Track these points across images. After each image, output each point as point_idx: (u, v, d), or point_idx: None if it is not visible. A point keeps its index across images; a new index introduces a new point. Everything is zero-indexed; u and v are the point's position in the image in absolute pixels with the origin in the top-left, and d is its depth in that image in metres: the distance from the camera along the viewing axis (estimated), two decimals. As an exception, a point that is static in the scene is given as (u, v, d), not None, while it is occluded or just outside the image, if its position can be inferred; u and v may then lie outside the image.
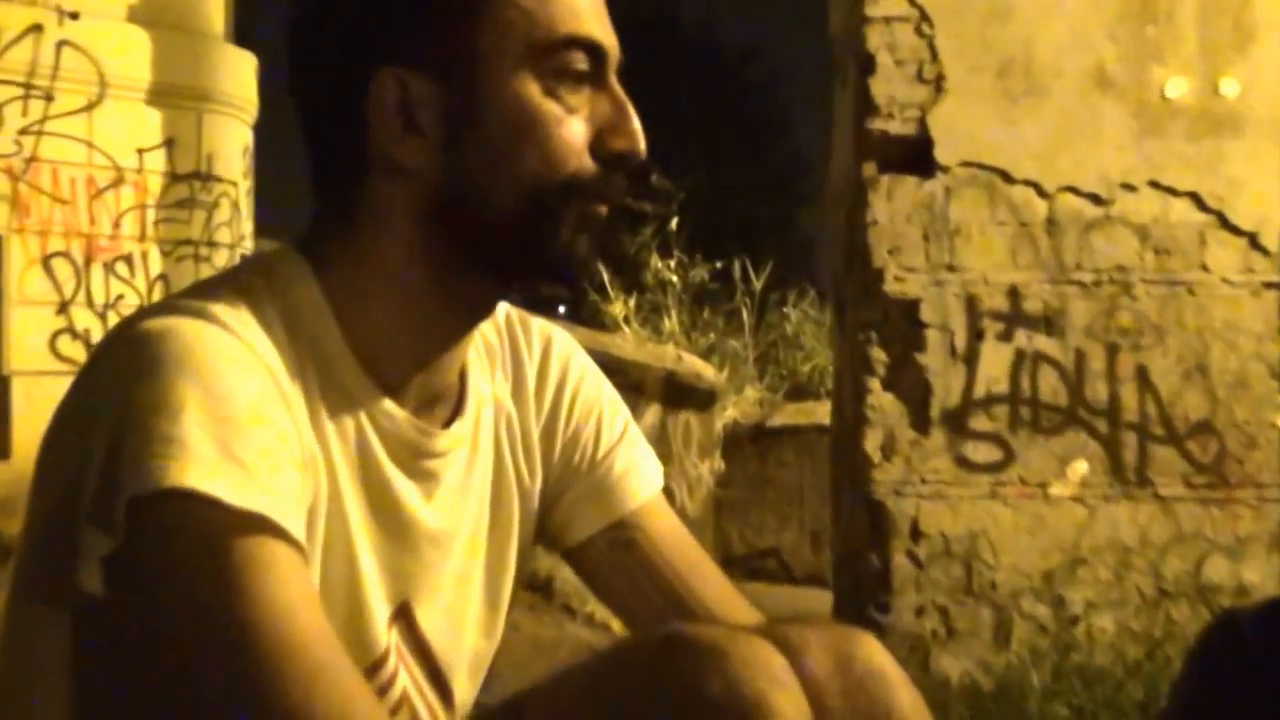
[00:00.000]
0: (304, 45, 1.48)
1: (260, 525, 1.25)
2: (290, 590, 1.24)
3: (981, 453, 6.81)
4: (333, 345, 1.45)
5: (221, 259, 12.70)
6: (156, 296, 12.29)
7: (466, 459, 1.59)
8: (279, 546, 1.26)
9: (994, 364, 6.82)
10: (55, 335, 11.66)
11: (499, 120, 1.41)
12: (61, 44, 11.51)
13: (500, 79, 1.41)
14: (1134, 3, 6.85)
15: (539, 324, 1.72)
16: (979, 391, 6.81)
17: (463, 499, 1.58)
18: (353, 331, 1.46)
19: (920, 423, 6.80)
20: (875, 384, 6.82)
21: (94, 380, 1.37)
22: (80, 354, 11.80)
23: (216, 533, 1.23)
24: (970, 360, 6.81)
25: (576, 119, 1.44)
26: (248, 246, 13.32)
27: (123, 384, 1.30)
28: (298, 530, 1.29)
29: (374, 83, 1.41)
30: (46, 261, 11.60)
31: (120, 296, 12.01)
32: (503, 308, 1.67)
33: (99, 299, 11.91)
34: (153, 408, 1.26)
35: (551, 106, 1.42)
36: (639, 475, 1.71)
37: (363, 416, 1.47)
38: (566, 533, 1.70)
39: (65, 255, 11.71)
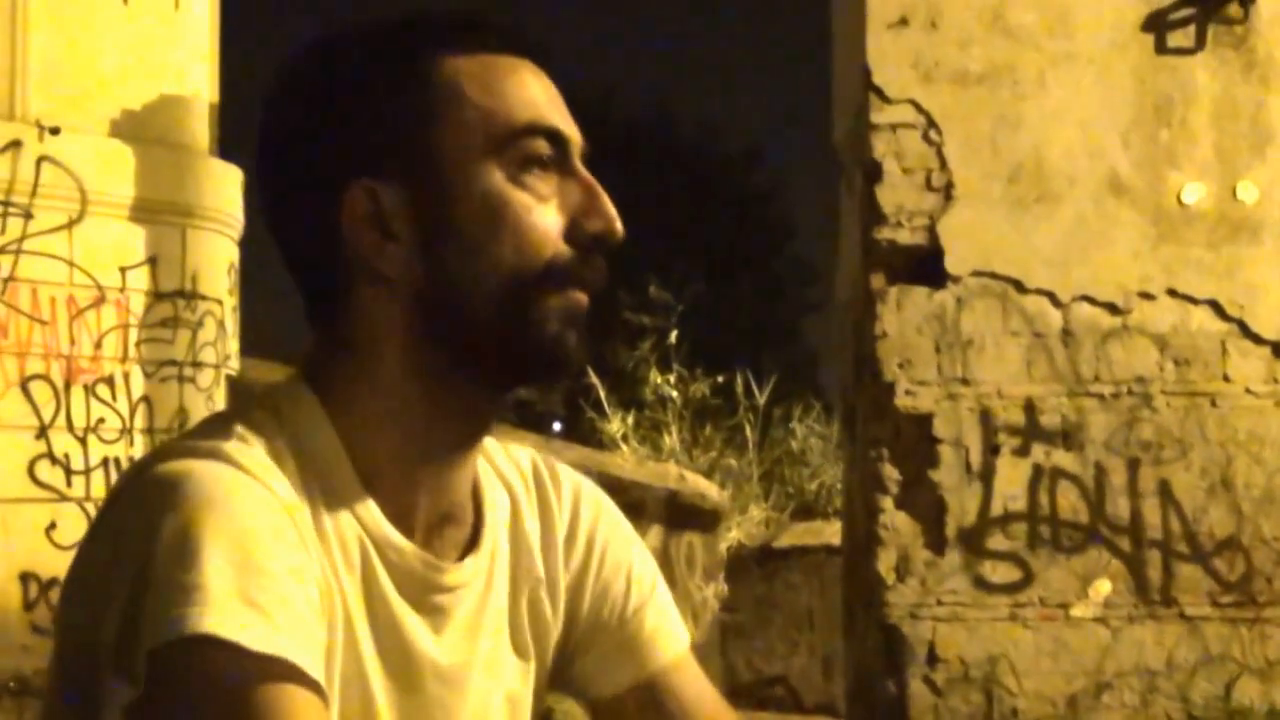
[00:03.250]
0: (271, 170, 1.49)
1: (282, 670, 1.24)
2: None
3: (1000, 573, 6.62)
4: (342, 476, 1.45)
5: (207, 380, 12.52)
6: (139, 419, 12.12)
7: (480, 594, 1.56)
8: (300, 691, 1.25)
9: (1011, 480, 6.64)
10: (34, 461, 11.44)
11: (470, 214, 1.43)
12: (41, 160, 11.38)
13: (466, 174, 1.43)
14: (1147, 107, 6.73)
15: (568, 473, 1.70)
16: (996, 509, 6.64)
17: (474, 635, 1.55)
18: (359, 456, 1.46)
19: (935, 542, 6.62)
20: (888, 502, 6.64)
21: (112, 526, 1.36)
22: (60, 480, 11.59)
23: (238, 679, 1.23)
24: (986, 477, 6.64)
25: (547, 206, 1.44)
26: (234, 366, 13.18)
27: (141, 530, 1.29)
28: (317, 673, 1.28)
29: (344, 197, 1.42)
30: (25, 384, 11.41)
31: (101, 420, 11.82)
32: (527, 455, 1.67)
33: (79, 422, 11.72)
34: (172, 555, 1.26)
35: (519, 194, 1.43)
36: (669, 633, 1.68)
37: (371, 550, 1.46)
38: (593, 686, 1.68)
39: (44, 377, 11.52)
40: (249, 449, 1.39)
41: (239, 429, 1.42)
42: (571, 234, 1.44)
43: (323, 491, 1.44)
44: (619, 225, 1.46)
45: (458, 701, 1.55)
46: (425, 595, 1.50)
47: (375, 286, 1.44)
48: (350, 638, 1.44)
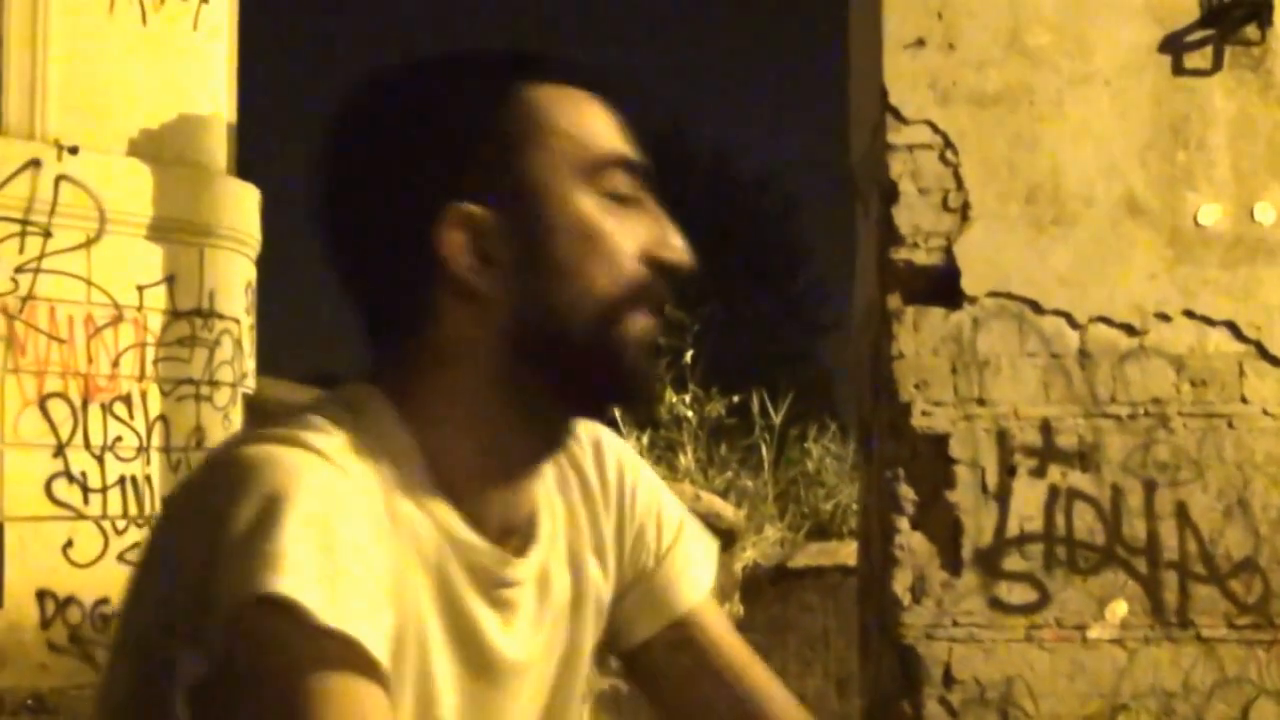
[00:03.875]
0: (362, 194, 1.51)
1: (348, 648, 1.26)
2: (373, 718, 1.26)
3: (1016, 594, 6.59)
4: (417, 476, 1.47)
5: (223, 398, 12.53)
6: (156, 438, 12.14)
7: (539, 586, 1.59)
8: (365, 673, 1.27)
9: (1027, 501, 6.61)
10: (51, 479, 11.48)
11: (565, 239, 1.46)
12: (60, 179, 11.43)
13: (560, 199, 1.47)
14: (1164, 128, 6.72)
15: (584, 427, 1.72)
16: (1012, 530, 6.61)
17: (539, 626, 1.59)
18: (434, 462, 1.48)
19: (951, 563, 6.59)
20: (904, 523, 6.62)
21: (187, 505, 1.39)
22: (77, 498, 11.61)
23: (306, 651, 1.24)
24: (1002, 498, 6.61)
25: (629, 233, 1.49)
26: (250, 385, 13.18)
27: (220, 507, 1.31)
28: (382, 655, 1.29)
29: (443, 220, 1.46)
30: (43, 402, 11.44)
31: (119, 438, 11.84)
32: None
33: (96, 441, 11.74)
34: (251, 528, 1.28)
35: (608, 220, 1.48)
36: (696, 571, 1.73)
37: (446, 546, 1.48)
38: (626, 634, 1.72)
39: (62, 396, 11.56)
40: (328, 439, 1.41)
41: (318, 421, 1.44)
42: (646, 259, 1.49)
43: (399, 486, 1.45)
44: (690, 256, 1.52)
45: (524, 693, 1.58)
46: (495, 589, 1.53)
47: (467, 305, 1.47)
48: (419, 631, 1.46)
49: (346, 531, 1.32)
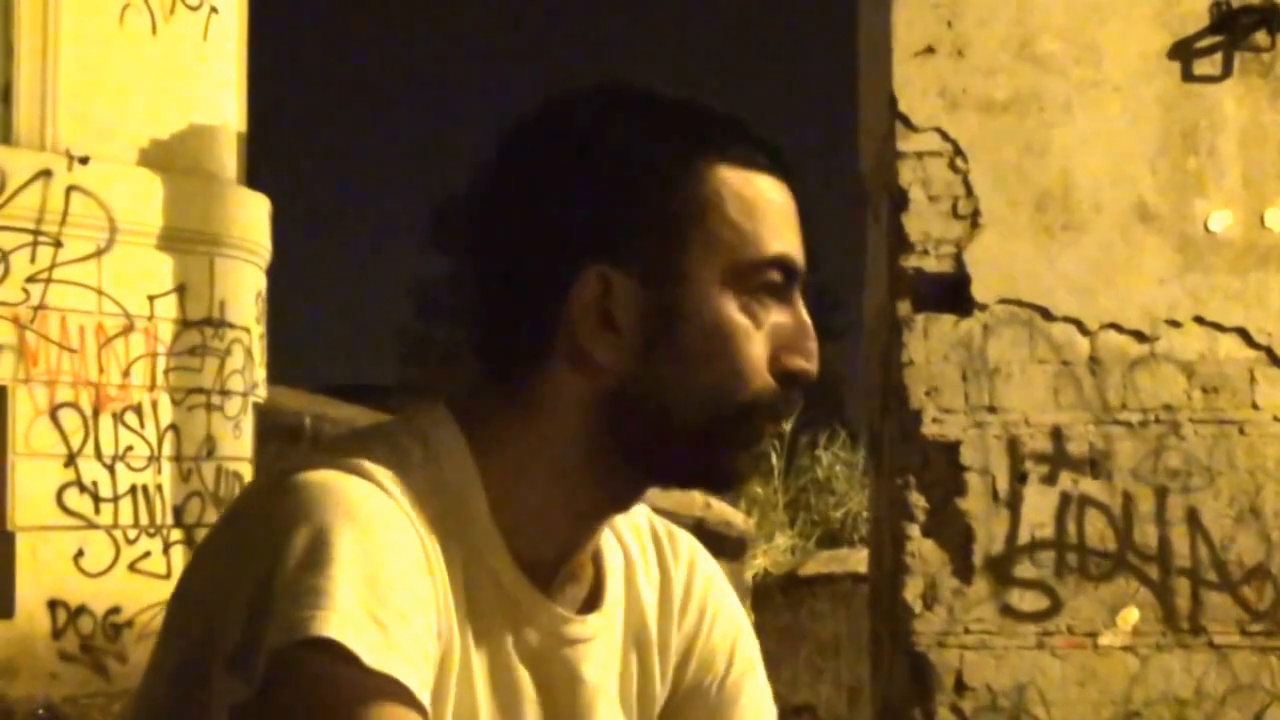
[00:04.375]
0: (509, 229, 1.48)
1: (394, 690, 1.25)
2: None
3: (1027, 601, 6.59)
4: (481, 522, 1.46)
5: (234, 408, 12.54)
6: (167, 447, 12.16)
7: (601, 652, 1.57)
8: (408, 714, 1.25)
9: (1038, 508, 6.61)
10: (62, 489, 11.48)
11: (696, 331, 1.43)
12: (71, 189, 11.44)
13: (703, 292, 1.43)
14: (1174, 135, 6.71)
15: (684, 536, 1.71)
16: (1023, 537, 6.60)
17: (591, 694, 1.56)
18: (500, 508, 1.47)
19: (963, 570, 6.58)
20: (915, 530, 6.61)
21: (243, 525, 1.39)
22: (88, 508, 11.62)
23: (351, 692, 1.23)
24: (1013, 505, 6.61)
25: (761, 333, 1.45)
26: (261, 394, 13.19)
27: (274, 533, 1.31)
28: (427, 701, 1.29)
29: (579, 277, 1.43)
30: (54, 412, 11.45)
31: (130, 448, 11.85)
32: (644, 513, 1.68)
33: (107, 450, 11.75)
34: (303, 561, 1.28)
35: (745, 322, 1.44)
36: (760, 711, 1.68)
37: (501, 599, 1.47)
38: None
39: (73, 405, 11.56)
40: (390, 472, 1.39)
41: (384, 450, 1.42)
42: (774, 366, 1.45)
43: (458, 528, 1.44)
44: (817, 367, 1.48)
45: None
46: (552, 650, 1.51)
47: (575, 367, 1.45)
48: (466, 679, 1.45)
49: (398, 570, 1.31)
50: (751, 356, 1.44)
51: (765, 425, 1.47)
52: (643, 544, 1.66)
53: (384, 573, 1.29)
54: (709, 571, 1.70)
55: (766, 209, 1.46)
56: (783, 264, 1.46)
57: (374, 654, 1.24)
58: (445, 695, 1.42)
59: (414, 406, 1.54)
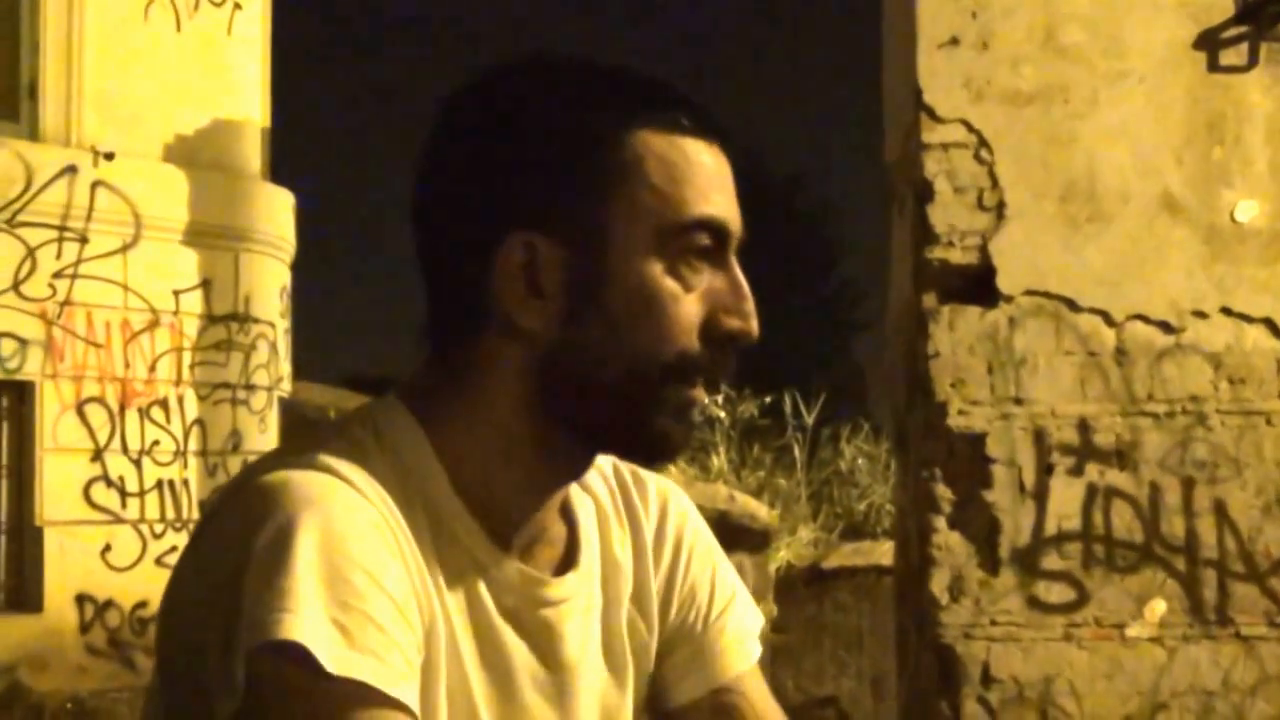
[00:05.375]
0: (438, 201, 1.50)
1: (359, 693, 1.26)
2: None
3: (1054, 593, 6.58)
4: (443, 497, 1.47)
5: (260, 402, 12.57)
6: (193, 442, 12.18)
7: (581, 611, 1.59)
8: (386, 715, 1.27)
9: (1065, 500, 6.59)
10: (89, 483, 11.52)
11: (621, 295, 1.44)
12: (96, 184, 11.47)
13: (627, 255, 1.44)
14: (1200, 125, 6.69)
15: (655, 480, 1.73)
16: (1050, 529, 6.59)
17: (573, 649, 1.57)
18: (459, 481, 1.48)
19: (989, 562, 6.57)
20: (941, 522, 6.60)
21: (211, 538, 1.39)
22: (115, 503, 11.66)
23: (320, 700, 1.25)
24: (1040, 496, 6.60)
25: (691, 296, 1.46)
26: (286, 389, 13.22)
27: (240, 539, 1.31)
28: (408, 697, 1.30)
29: (504, 244, 1.44)
30: (80, 407, 11.48)
31: (156, 442, 11.88)
32: (609, 461, 1.68)
33: (134, 445, 11.78)
34: (268, 560, 1.28)
35: (671, 284, 1.45)
36: (747, 640, 1.71)
37: (475, 569, 1.49)
38: (669, 693, 1.69)
39: (99, 401, 11.60)
40: (349, 464, 1.41)
41: (338, 444, 1.44)
42: (707, 328, 1.46)
43: (424, 508, 1.45)
44: (756, 327, 1.49)
45: (557, 715, 1.56)
46: (527, 611, 1.52)
47: (506, 335, 1.46)
48: (454, 652, 1.46)
49: (362, 557, 1.32)
50: (678, 319, 1.44)
51: (694, 389, 1.48)
52: (611, 491, 1.68)
53: (347, 567, 1.30)
54: (681, 509, 1.71)
55: (692, 172, 1.46)
56: (711, 225, 1.47)
57: (338, 657, 1.26)
58: (436, 670, 1.43)
59: (367, 401, 1.55)
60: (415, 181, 1.52)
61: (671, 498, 1.72)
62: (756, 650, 1.71)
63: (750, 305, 1.48)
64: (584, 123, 1.45)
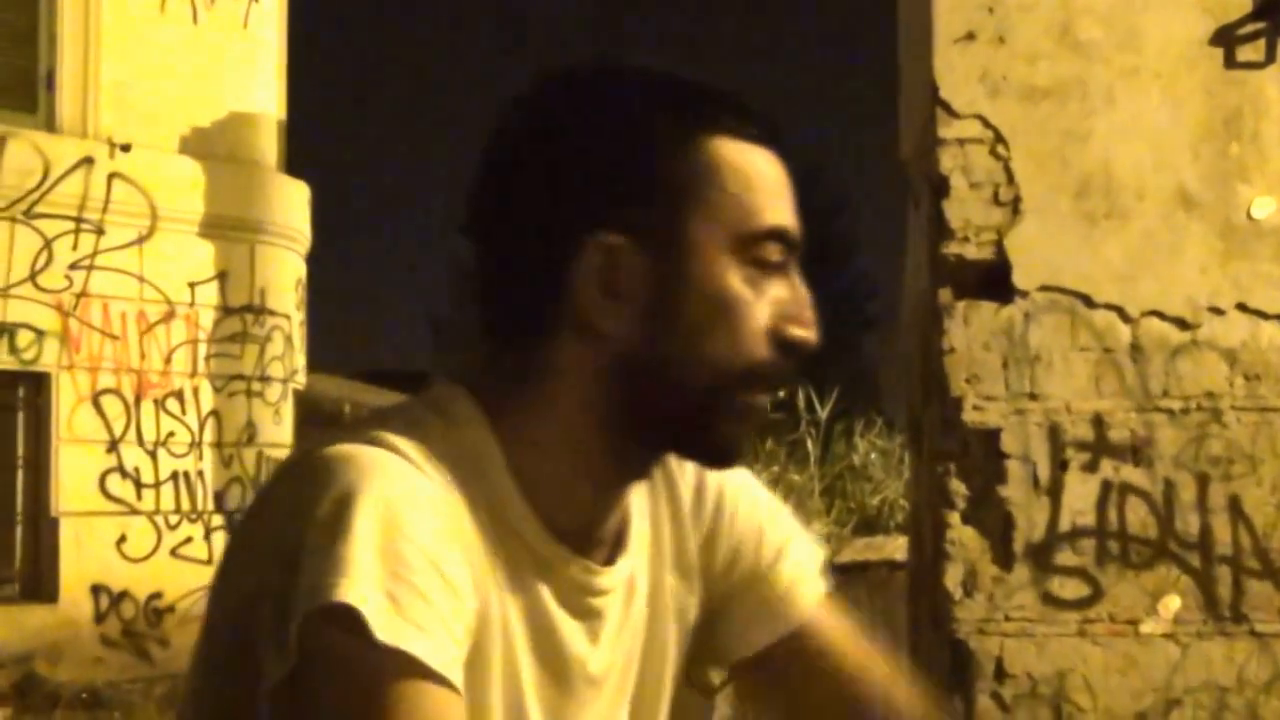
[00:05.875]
0: (515, 201, 1.50)
1: (409, 663, 1.27)
2: None
3: (1068, 589, 6.56)
4: (503, 487, 1.48)
5: (275, 394, 12.61)
6: (209, 433, 12.23)
7: (626, 594, 1.60)
8: (428, 684, 1.27)
9: (1079, 496, 6.57)
10: (105, 474, 11.57)
11: (700, 300, 1.45)
12: (113, 176, 11.52)
13: (706, 263, 1.45)
14: (1217, 120, 6.67)
15: None
16: (1064, 525, 6.57)
17: (622, 636, 1.59)
18: (521, 476, 1.49)
19: (1003, 558, 6.56)
20: (955, 518, 6.59)
21: (272, 504, 1.42)
22: (130, 494, 11.71)
23: (369, 668, 1.26)
24: (1054, 492, 6.58)
25: (761, 305, 1.48)
26: (301, 381, 13.25)
27: (301, 507, 1.33)
28: (454, 675, 1.30)
29: (585, 247, 1.45)
30: (96, 399, 11.54)
31: (171, 434, 11.93)
32: None
33: (149, 436, 11.83)
34: (330, 532, 1.30)
35: (745, 291, 1.46)
36: (807, 582, 1.72)
37: (531, 556, 1.49)
38: (734, 648, 1.71)
39: (115, 392, 11.65)
40: (414, 444, 1.42)
41: (406, 424, 1.45)
42: (773, 335, 1.48)
43: (483, 494, 1.46)
44: (817, 336, 1.51)
45: (608, 700, 1.59)
46: (580, 599, 1.53)
47: (582, 336, 1.47)
48: (506, 637, 1.47)
49: (419, 533, 1.33)
50: (752, 327, 1.46)
51: (759, 397, 1.50)
52: None
53: (403, 543, 1.31)
54: (720, 475, 1.70)
55: (763, 181, 1.49)
56: (782, 235, 1.49)
57: (389, 627, 1.26)
58: (489, 654, 1.44)
59: (431, 386, 1.56)
60: (482, 180, 1.52)
61: None
62: (819, 588, 1.72)
63: (812, 313, 1.50)
64: (662, 126, 1.46)
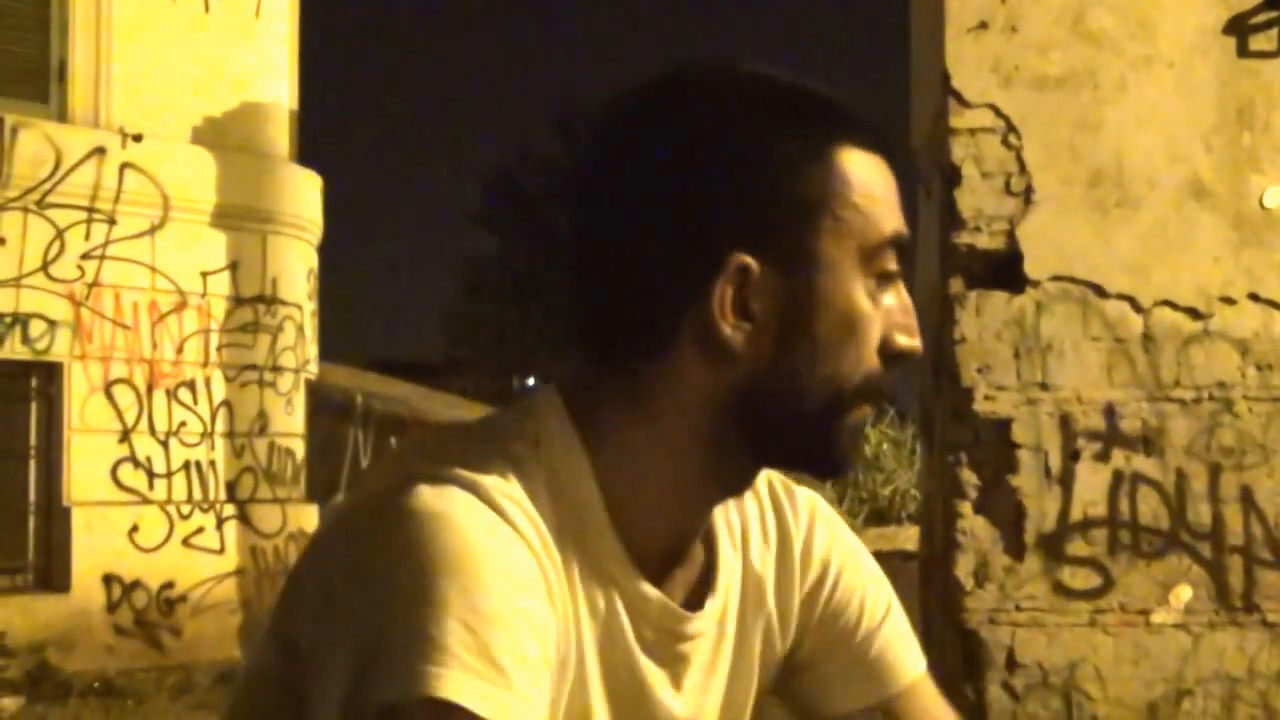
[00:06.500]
0: (647, 213, 1.44)
1: None
2: None
3: (1079, 578, 6.56)
4: (596, 522, 1.44)
5: (286, 384, 12.61)
6: (220, 423, 12.23)
7: (715, 639, 1.57)
8: None
9: (1091, 486, 6.57)
10: (117, 464, 11.58)
11: (831, 320, 1.42)
12: (124, 166, 11.52)
13: (838, 280, 1.42)
14: (1229, 111, 6.66)
15: (804, 494, 1.70)
16: (1075, 514, 6.57)
17: (710, 681, 1.56)
18: (613, 499, 1.45)
19: (1014, 547, 6.56)
20: (966, 507, 6.59)
21: (354, 552, 1.35)
22: (142, 483, 11.71)
23: None
24: (1066, 482, 6.58)
25: (878, 317, 1.45)
26: (312, 371, 13.26)
27: (387, 570, 1.29)
28: None
29: (720, 268, 1.40)
30: (108, 388, 11.54)
31: (183, 423, 11.94)
32: (763, 475, 1.65)
33: (161, 426, 11.83)
34: (418, 605, 1.26)
35: (870, 307, 1.44)
36: (902, 657, 1.68)
37: (617, 597, 1.46)
38: (820, 705, 1.69)
39: (127, 382, 11.65)
40: (506, 485, 1.38)
41: (498, 462, 1.40)
42: (884, 347, 1.45)
43: (575, 535, 1.43)
44: (921, 346, 1.48)
45: None
46: (666, 644, 1.50)
47: (708, 356, 1.43)
48: (581, 681, 1.44)
49: (512, 603, 1.30)
50: (871, 343, 1.43)
51: (870, 409, 1.48)
52: (761, 505, 1.65)
53: (501, 611, 1.28)
54: (831, 528, 1.69)
55: (882, 189, 1.46)
56: (900, 243, 1.46)
57: (495, 707, 1.24)
58: (558, 700, 1.40)
59: (527, 400, 1.51)
60: (600, 191, 1.47)
61: (819, 514, 1.70)
62: (914, 667, 1.68)
63: (916, 321, 1.48)
64: (796, 143, 1.43)
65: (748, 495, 1.63)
